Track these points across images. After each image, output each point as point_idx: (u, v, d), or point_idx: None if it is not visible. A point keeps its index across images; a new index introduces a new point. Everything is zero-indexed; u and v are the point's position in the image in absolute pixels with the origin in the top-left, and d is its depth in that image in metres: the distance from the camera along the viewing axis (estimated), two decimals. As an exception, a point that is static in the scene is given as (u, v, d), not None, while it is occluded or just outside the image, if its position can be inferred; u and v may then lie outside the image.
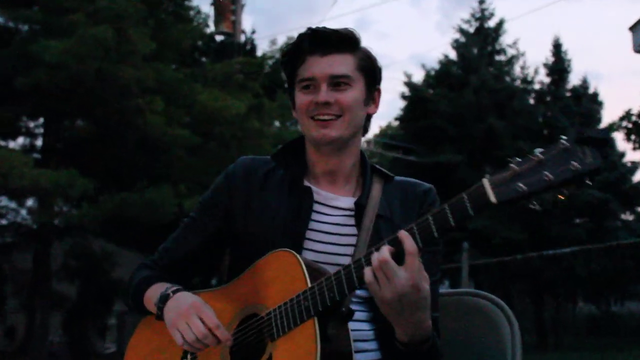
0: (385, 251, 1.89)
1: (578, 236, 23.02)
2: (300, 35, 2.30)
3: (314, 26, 2.32)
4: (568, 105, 26.10)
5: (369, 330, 2.24)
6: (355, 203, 2.30)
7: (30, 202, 16.50)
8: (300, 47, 2.28)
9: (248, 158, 2.46)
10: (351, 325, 2.07)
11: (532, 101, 27.12)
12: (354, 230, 2.27)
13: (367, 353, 2.20)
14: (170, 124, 14.57)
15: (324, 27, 2.30)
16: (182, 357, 2.27)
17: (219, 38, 21.07)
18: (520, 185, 1.76)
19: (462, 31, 27.36)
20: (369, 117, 2.39)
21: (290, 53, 2.31)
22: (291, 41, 2.38)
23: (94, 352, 19.57)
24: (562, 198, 1.77)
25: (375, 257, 1.90)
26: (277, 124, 18.28)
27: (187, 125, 15.20)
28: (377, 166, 2.44)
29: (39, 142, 17.02)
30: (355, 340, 2.07)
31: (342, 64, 2.26)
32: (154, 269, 2.43)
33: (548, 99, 26.92)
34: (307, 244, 2.25)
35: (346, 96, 2.24)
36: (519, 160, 1.81)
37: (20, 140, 17.23)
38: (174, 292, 2.20)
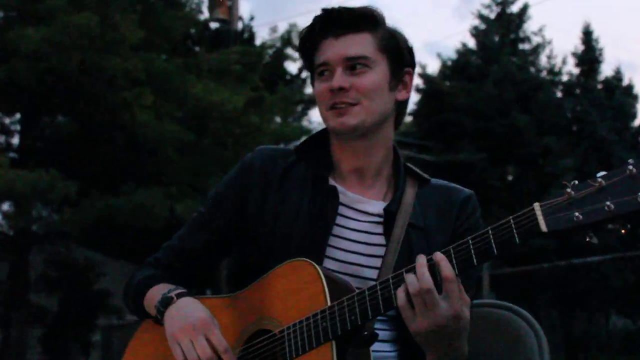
0: (428, 277, 1.85)
1: (611, 243, 22.95)
2: (314, 18, 2.28)
3: (328, 7, 2.29)
4: (599, 98, 26.03)
5: (391, 351, 2.22)
6: (385, 209, 2.25)
7: (5, 207, 16.50)
8: (313, 30, 2.26)
9: (267, 148, 2.42)
10: (373, 345, 2.05)
11: (559, 94, 27.06)
12: (382, 240, 2.23)
13: None
14: (161, 119, 14.57)
15: (339, 7, 2.26)
16: None
17: (214, 25, 21.10)
18: (577, 214, 1.70)
19: (482, 17, 27.30)
20: (400, 104, 2.34)
21: (305, 39, 2.30)
22: (303, 27, 2.36)
23: (77, 371, 19.57)
24: (624, 232, 1.70)
25: (415, 282, 1.85)
26: (278, 119, 18.27)
27: (179, 120, 15.20)
28: (412, 166, 2.38)
29: (15, 141, 17.03)
30: None
31: (358, 44, 2.22)
32: (157, 267, 2.41)
33: (577, 91, 26.85)
34: (329, 252, 2.21)
35: (364, 80, 2.20)
36: (577, 184, 1.74)
37: (-5, 138, 17.25)
38: (178, 296, 2.18)
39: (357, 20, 2.24)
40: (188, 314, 2.12)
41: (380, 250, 2.21)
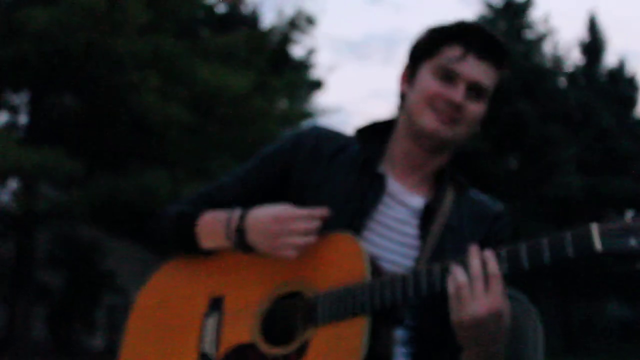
0: (477, 266, 1.89)
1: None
2: (464, 24, 2.26)
3: (484, 26, 2.29)
4: (604, 88, 26.00)
5: (403, 352, 2.22)
6: (427, 204, 2.28)
7: (13, 185, 16.55)
8: (462, 37, 2.23)
9: (325, 128, 2.44)
10: None
11: (563, 83, 27.02)
12: (415, 232, 2.25)
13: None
14: (167, 102, 14.56)
15: (493, 33, 2.27)
16: (206, 313, 2.24)
17: (221, 8, 21.05)
18: (632, 242, 1.77)
19: (488, 5, 27.25)
20: None
21: (446, 35, 2.26)
22: (450, 23, 2.30)
23: (81, 349, 19.66)
24: None
25: (462, 271, 1.90)
26: (283, 103, 18.26)
27: (186, 103, 15.18)
28: (456, 170, 2.41)
29: (23, 120, 17.05)
30: None
31: (489, 76, 2.25)
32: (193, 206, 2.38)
33: (581, 80, 26.81)
34: (365, 234, 2.22)
35: (475, 108, 2.24)
36: (634, 215, 1.80)
37: (3, 117, 17.26)
38: (242, 219, 2.16)
39: (501, 55, 2.28)
40: (264, 220, 2.13)
41: (414, 242, 2.25)
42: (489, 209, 2.37)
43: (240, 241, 2.17)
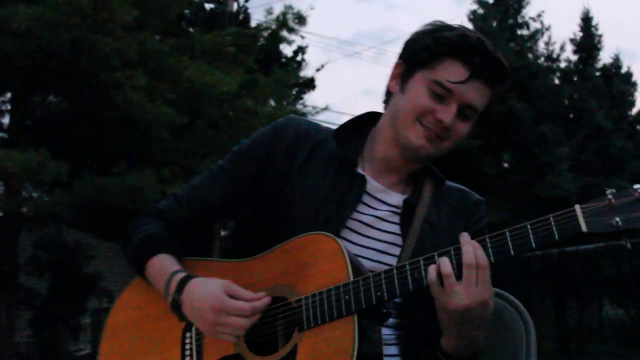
0: (481, 254, 1.92)
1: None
2: (471, 42, 2.22)
3: (485, 39, 2.25)
4: (597, 86, 26.05)
5: (391, 335, 2.27)
6: (405, 200, 2.32)
7: (-5, 187, 16.47)
8: (465, 56, 2.21)
9: (302, 120, 2.43)
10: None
11: (557, 81, 27.06)
12: (396, 229, 2.30)
13: (388, 358, 2.21)
14: (153, 101, 14.52)
15: (496, 51, 2.25)
16: (184, 328, 2.24)
17: (208, 6, 21.02)
18: (617, 219, 1.81)
19: (480, 2, 27.26)
20: None
21: (450, 48, 2.22)
22: (451, 31, 2.27)
23: (66, 354, 19.59)
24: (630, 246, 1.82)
25: (448, 263, 1.93)
26: (272, 102, 18.23)
27: (172, 102, 15.14)
28: (431, 166, 2.44)
29: (5, 120, 16.95)
30: None
31: (483, 98, 2.27)
32: (166, 219, 2.38)
33: (575, 78, 26.86)
34: (345, 233, 2.26)
35: (463, 127, 2.27)
36: (617, 192, 1.83)
37: (-15, 117, 17.18)
38: (179, 288, 2.13)
39: (500, 77, 2.28)
40: (200, 305, 2.09)
41: (395, 239, 2.29)
42: (467, 199, 2.42)
43: (176, 310, 2.15)
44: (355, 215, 2.28)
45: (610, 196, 1.82)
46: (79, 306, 19.58)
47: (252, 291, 2.16)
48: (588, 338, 25.03)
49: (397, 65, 2.36)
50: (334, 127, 2.43)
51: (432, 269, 1.94)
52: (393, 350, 2.26)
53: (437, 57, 2.23)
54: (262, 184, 2.34)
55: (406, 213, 2.30)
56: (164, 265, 2.23)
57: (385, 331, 2.21)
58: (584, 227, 1.82)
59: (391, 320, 2.24)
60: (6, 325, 15.63)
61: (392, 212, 2.32)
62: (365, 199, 2.31)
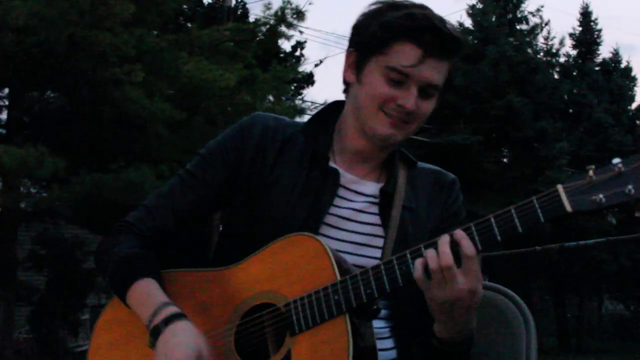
0: (449, 254, 1.90)
1: (605, 226, 23.05)
2: (418, 21, 2.16)
3: (432, 13, 2.19)
4: (597, 80, 26.08)
5: (385, 327, 2.26)
6: (382, 190, 2.29)
7: (-7, 183, 16.47)
8: (415, 36, 2.16)
9: (268, 116, 2.38)
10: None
11: (556, 76, 27.08)
12: (376, 220, 2.27)
13: (383, 352, 2.19)
14: (151, 96, 14.51)
15: (444, 24, 2.19)
16: None
17: (206, 1, 21.02)
18: (600, 196, 1.79)
19: (479, -4, 27.24)
20: None
21: (396, 30, 2.17)
22: (397, 11, 2.21)
23: (65, 350, 19.60)
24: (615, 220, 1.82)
25: (435, 257, 1.91)
26: (270, 98, 18.22)
27: (170, 98, 15.14)
28: (402, 149, 2.41)
29: (3, 116, 16.95)
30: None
31: (441, 73, 2.22)
32: (140, 234, 2.30)
33: (574, 73, 26.90)
34: (324, 229, 2.23)
35: (427, 106, 2.23)
36: (597, 168, 1.82)
37: (-18, 113, 17.17)
38: (166, 321, 2.07)
39: (454, 49, 2.22)
40: (177, 351, 2.02)
41: (376, 230, 2.26)
42: (442, 180, 2.39)
43: (153, 336, 2.09)
44: (333, 210, 2.25)
45: (590, 173, 1.81)
46: (78, 302, 19.58)
47: (236, 300, 2.14)
48: (588, 333, 25.08)
49: (348, 53, 2.31)
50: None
51: (418, 264, 1.93)
52: (388, 343, 2.25)
53: (386, 42, 2.18)
54: (233, 186, 2.30)
55: (384, 202, 2.27)
56: (151, 292, 2.17)
57: (378, 324, 2.20)
58: (568, 207, 1.80)
59: (383, 312, 2.23)
60: (5, 321, 15.63)
61: (370, 202, 2.29)
62: (341, 192, 2.28)
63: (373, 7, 2.27)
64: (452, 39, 2.19)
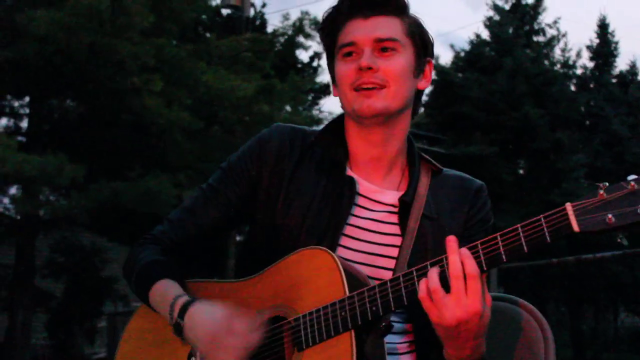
0: (471, 264, 1.86)
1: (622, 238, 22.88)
2: (338, 1, 2.25)
3: None
4: (614, 92, 25.97)
5: (403, 342, 2.22)
6: (400, 199, 2.25)
7: (13, 190, 16.56)
8: (340, 10, 2.23)
9: (286, 127, 2.38)
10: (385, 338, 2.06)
11: (573, 88, 26.99)
12: (395, 229, 2.24)
13: None
14: (170, 106, 14.56)
15: None
16: (189, 353, 2.21)
17: (225, 12, 21.05)
18: (609, 216, 1.72)
19: (496, 8, 27.22)
20: (418, 94, 2.34)
21: (329, 19, 2.26)
22: (329, 8, 2.31)
23: (82, 357, 19.66)
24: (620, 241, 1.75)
25: (437, 278, 1.87)
26: (288, 108, 18.26)
27: (189, 107, 15.17)
28: (425, 156, 2.37)
29: (24, 124, 17.06)
30: (388, 354, 2.05)
31: (388, 26, 2.20)
32: (163, 245, 2.34)
33: (591, 85, 26.79)
34: (343, 240, 2.21)
35: (392, 63, 2.19)
36: (608, 186, 1.75)
37: (3, 121, 17.32)
38: (182, 310, 2.10)
39: (387, 3, 2.22)
40: (200, 328, 2.06)
41: (395, 240, 2.22)
42: (467, 187, 2.34)
43: (178, 333, 2.12)
44: (352, 220, 2.23)
45: (601, 191, 1.74)
46: (95, 309, 19.63)
47: (252, 312, 2.13)
48: (603, 345, 24.91)
49: (329, 73, 2.38)
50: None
51: (422, 284, 1.89)
52: (406, 359, 2.22)
53: (330, 34, 2.26)
54: (254, 200, 2.30)
55: (403, 212, 2.24)
56: (166, 290, 2.20)
57: (395, 339, 2.18)
58: (575, 227, 1.74)
59: (401, 327, 2.21)
60: (22, 327, 15.69)
61: (389, 212, 2.26)
62: (360, 201, 2.26)
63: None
64: None
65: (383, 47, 2.19)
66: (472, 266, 1.84)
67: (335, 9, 2.26)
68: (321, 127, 2.40)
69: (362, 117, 2.21)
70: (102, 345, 21.14)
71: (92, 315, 19.57)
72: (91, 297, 18.95)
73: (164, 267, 2.27)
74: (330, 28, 2.27)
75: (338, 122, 2.38)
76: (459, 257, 1.86)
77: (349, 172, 2.29)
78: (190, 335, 2.07)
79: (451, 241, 1.89)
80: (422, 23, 2.30)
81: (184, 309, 2.10)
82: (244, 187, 2.31)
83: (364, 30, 2.19)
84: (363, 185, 2.28)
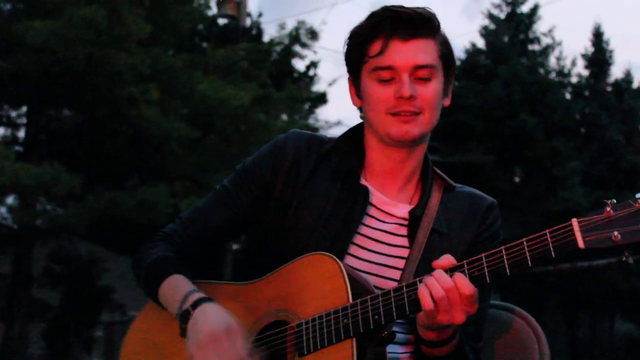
0: (465, 286, 1.90)
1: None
2: (376, 15, 2.20)
3: (389, 4, 2.22)
4: (609, 100, 25.99)
5: (404, 353, 2.23)
6: (410, 212, 2.26)
7: (10, 200, 16.54)
8: (378, 29, 2.18)
9: (303, 134, 2.37)
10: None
11: (568, 96, 27.00)
12: (404, 242, 2.25)
13: None
14: (167, 115, 14.57)
15: (402, 6, 2.20)
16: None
17: (222, 21, 21.08)
18: (615, 234, 1.71)
19: (491, 17, 27.26)
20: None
21: (364, 35, 2.21)
22: (362, 21, 2.26)
23: (79, 367, 19.60)
24: (631, 262, 1.73)
25: (438, 285, 1.91)
26: (284, 117, 18.27)
27: (185, 117, 15.20)
28: (439, 171, 2.38)
29: (21, 134, 17.06)
30: None
31: (426, 51, 2.18)
32: (173, 242, 2.35)
33: (586, 93, 26.81)
34: (352, 249, 2.22)
35: (429, 90, 2.18)
36: (616, 203, 1.74)
37: (0, 130, 17.26)
38: (194, 305, 2.11)
39: (426, 25, 2.20)
40: (202, 327, 2.07)
41: (403, 252, 2.24)
42: (478, 204, 2.34)
43: (183, 321, 2.12)
44: (363, 229, 2.24)
45: (609, 208, 1.73)
46: (92, 319, 19.59)
47: (255, 316, 2.16)
48: (599, 353, 24.89)
49: (349, 82, 2.35)
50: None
51: (426, 295, 1.93)
52: (406, 352, 2.23)
53: (361, 50, 2.21)
54: (267, 203, 2.30)
55: (413, 225, 2.25)
56: (180, 284, 2.21)
57: (397, 349, 2.19)
58: (580, 244, 1.73)
59: (403, 337, 2.21)
60: (19, 337, 15.66)
61: (400, 224, 2.27)
62: (372, 212, 2.27)
63: (349, 33, 2.31)
64: (414, 15, 2.18)
65: (421, 75, 2.18)
66: (467, 287, 1.89)
67: (373, 27, 2.20)
68: (338, 134, 2.40)
69: (396, 141, 2.21)
70: (99, 354, 21.08)
71: (89, 324, 19.52)
72: (88, 307, 18.90)
73: (176, 264, 2.28)
74: (362, 42, 2.22)
75: (356, 131, 2.38)
76: (436, 281, 1.91)
77: (363, 182, 2.30)
78: (194, 327, 2.08)
79: (440, 262, 1.95)
80: (449, 40, 2.28)
81: (199, 302, 2.11)
82: (257, 190, 2.32)
83: (403, 55, 2.16)
84: (376, 196, 2.29)
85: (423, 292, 1.91)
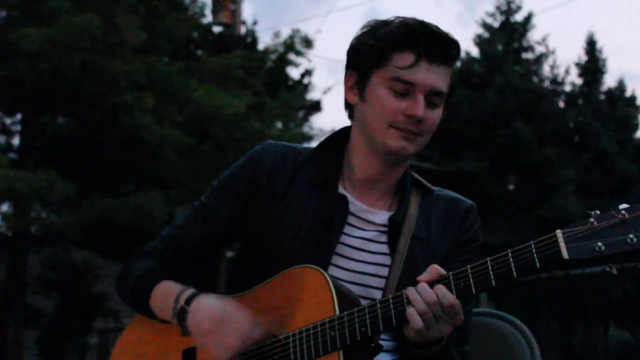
0: (446, 296, 1.91)
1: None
2: (411, 27, 2.18)
3: (424, 20, 2.21)
4: (602, 109, 26.04)
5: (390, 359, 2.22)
6: (390, 219, 2.25)
7: (4, 207, 16.52)
8: (412, 42, 2.15)
9: (279, 145, 2.36)
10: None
11: (562, 104, 27.06)
12: (385, 249, 2.24)
13: None
14: (161, 122, 14.57)
15: (438, 28, 2.19)
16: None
17: (216, 29, 21.09)
18: (599, 244, 1.73)
19: (485, 25, 27.31)
20: None
21: (395, 41, 2.17)
22: (390, 25, 2.22)
23: (73, 374, 19.55)
24: (614, 272, 1.76)
25: (420, 300, 1.92)
26: (279, 125, 18.27)
27: (180, 124, 15.20)
28: (417, 176, 2.38)
29: (15, 141, 17.04)
30: None
31: (444, 79, 2.19)
32: (155, 258, 2.35)
33: (580, 102, 26.86)
34: (335, 260, 2.21)
35: (435, 115, 2.20)
36: (599, 214, 1.77)
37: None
38: (188, 301, 2.11)
39: (453, 54, 2.21)
40: (201, 315, 2.08)
41: (384, 259, 2.23)
42: (456, 207, 2.34)
43: (180, 319, 2.12)
44: (344, 239, 2.23)
45: (592, 219, 1.75)
46: (86, 326, 19.54)
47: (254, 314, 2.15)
48: (594, 359, 24.86)
49: (348, 77, 2.29)
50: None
51: (413, 312, 1.94)
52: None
53: (385, 54, 2.17)
54: (245, 217, 2.29)
55: (393, 231, 2.24)
56: (170, 288, 2.20)
57: (385, 357, 2.18)
58: (565, 254, 1.75)
59: (390, 345, 2.20)
60: (14, 344, 15.62)
61: (380, 231, 2.26)
62: (352, 220, 2.25)
63: (365, 28, 2.27)
64: (448, 41, 2.18)
65: (433, 100, 2.18)
66: (447, 298, 1.90)
67: (406, 35, 2.17)
68: (313, 144, 2.39)
69: (388, 153, 2.21)
70: (93, 361, 21.04)
71: (84, 331, 19.47)
72: (82, 314, 18.86)
73: (163, 273, 2.28)
74: (389, 47, 2.18)
75: (334, 139, 2.36)
76: (419, 294, 1.92)
77: (341, 190, 2.28)
78: (194, 319, 2.08)
79: (424, 276, 1.95)
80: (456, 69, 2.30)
81: (192, 297, 2.11)
82: (235, 204, 2.30)
83: (426, 76, 2.14)
84: (355, 205, 2.27)
85: (411, 312, 1.92)
